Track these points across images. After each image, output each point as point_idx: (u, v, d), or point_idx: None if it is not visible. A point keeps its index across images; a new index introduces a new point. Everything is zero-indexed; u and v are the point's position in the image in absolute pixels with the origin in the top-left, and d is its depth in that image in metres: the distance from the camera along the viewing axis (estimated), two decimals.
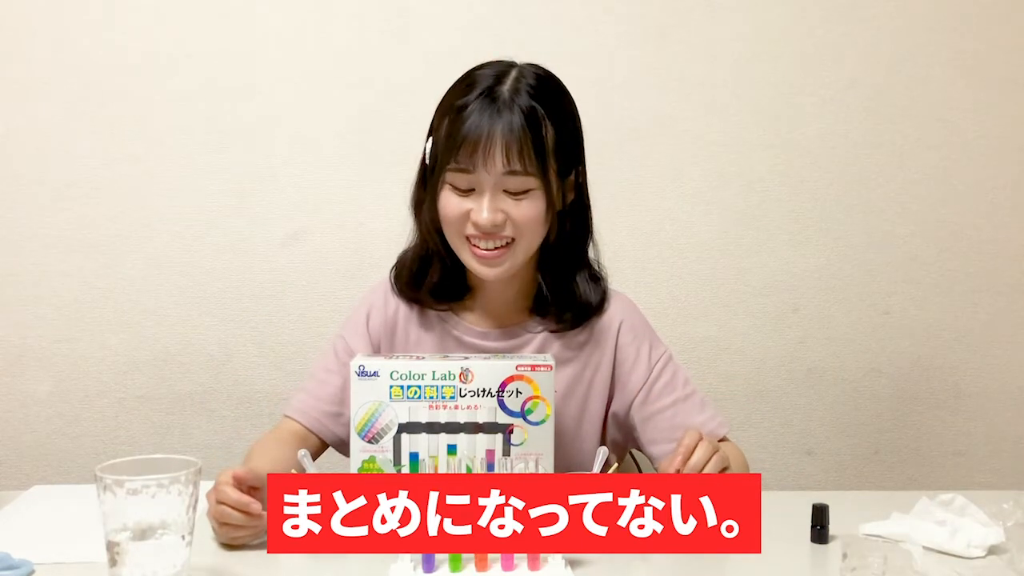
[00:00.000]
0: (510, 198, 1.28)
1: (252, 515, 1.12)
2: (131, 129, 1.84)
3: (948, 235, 1.97)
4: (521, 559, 1.06)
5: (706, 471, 1.15)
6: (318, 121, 1.86)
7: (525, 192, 1.28)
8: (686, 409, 1.40)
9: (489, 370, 1.24)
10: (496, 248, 1.30)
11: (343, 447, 1.40)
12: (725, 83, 1.91)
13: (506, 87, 1.29)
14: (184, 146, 1.85)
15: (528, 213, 1.29)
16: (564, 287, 1.38)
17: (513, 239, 1.30)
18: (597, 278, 1.41)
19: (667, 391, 1.41)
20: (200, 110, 1.84)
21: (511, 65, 1.33)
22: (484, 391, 1.23)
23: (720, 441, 1.37)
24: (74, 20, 1.82)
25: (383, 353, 1.41)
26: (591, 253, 1.41)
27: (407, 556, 1.04)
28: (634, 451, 1.53)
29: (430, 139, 1.35)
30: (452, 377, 1.23)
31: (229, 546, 1.14)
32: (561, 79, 1.35)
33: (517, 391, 1.24)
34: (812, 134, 1.93)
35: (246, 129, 1.85)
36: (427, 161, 1.35)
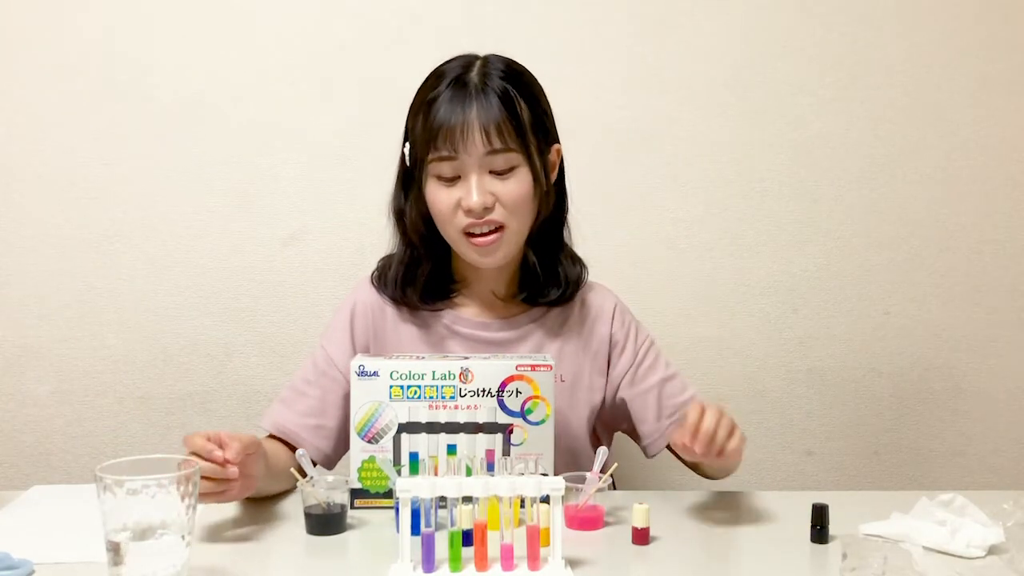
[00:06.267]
0: (496, 179, 1.30)
1: (216, 463, 1.11)
2: (131, 129, 1.84)
3: (948, 235, 1.97)
4: (521, 559, 1.06)
5: (719, 436, 1.16)
6: (318, 121, 1.86)
7: (510, 170, 1.30)
8: (670, 388, 1.43)
9: (489, 370, 1.24)
10: (489, 233, 1.31)
11: (327, 461, 1.39)
12: (725, 83, 1.91)
13: (474, 73, 1.31)
14: (184, 146, 1.85)
15: (516, 191, 1.30)
16: (551, 267, 1.40)
17: (503, 225, 1.31)
18: (575, 258, 1.44)
19: (652, 372, 1.44)
20: (200, 110, 1.84)
21: (475, 56, 1.35)
22: (484, 391, 1.23)
23: None
24: (74, 20, 1.81)
25: (372, 348, 1.41)
26: (565, 235, 1.43)
27: (407, 556, 1.04)
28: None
29: (407, 143, 1.36)
30: (452, 377, 1.23)
31: (228, 538, 1.14)
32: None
33: (517, 391, 1.24)
34: (812, 134, 1.93)
35: (246, 129, 1.85)
36: (407, 163, 1.36)
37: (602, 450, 1.28)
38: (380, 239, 1.85)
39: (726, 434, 1.17)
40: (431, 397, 1.23)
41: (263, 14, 1.84)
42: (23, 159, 1.83)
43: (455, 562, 1.05)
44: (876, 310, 1.98)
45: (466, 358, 1.27)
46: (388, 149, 1.86)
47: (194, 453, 1.12)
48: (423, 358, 1.27)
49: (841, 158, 1.94)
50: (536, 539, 1.05)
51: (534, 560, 1.05)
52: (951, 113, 1.94)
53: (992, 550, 1.14)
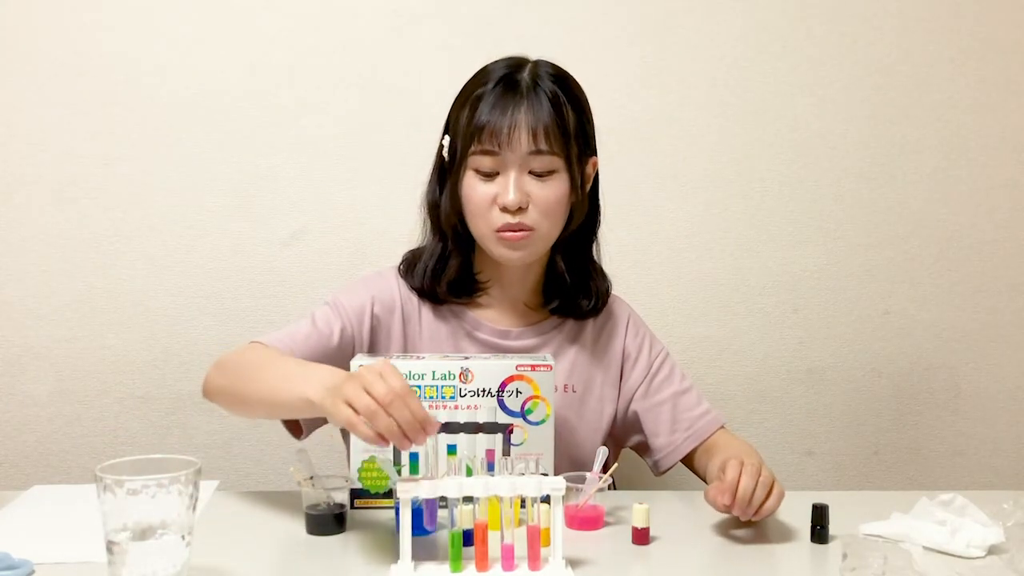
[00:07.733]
0: (534, 180, 1.30)
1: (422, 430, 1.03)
2: (131, 129, 1.84)
3: (948, 235, 1.97)
4: (521, 559, 1.06)
5: (756, 497, 1.15)
6: (318, 121, 1.86)
7: (549, 173, 1.30)
8: (685, 402, 1.43)
9: (489, 370, 1.24)
10: (519, 230, 1.30)
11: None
12: (725, 83, 1.91)
13: (525, 74, 1.32)
14: (184, 146, 1.85)
15: (551, 195, 1.30)
16: (581, 279, 1.41)
17: (532, 229, 1.30)
18: (603, 273, 1.45)
19: (666, 384, 1.44)
20: (200, 110, 1.84)
21: (525, 59, 1.35)
22: (484, 391, 1.23)
23: (719, 430, 1.40)
24: (74, 20, 1.81)
25: (382, 335, 1.40)
26: (594, 250, 1.44)
27: (407, 556, 1.04)
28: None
29: (446, 136, 1.36)
30: (452, 377, 1.23)
31: (228, 538, 1.14)
32: None
33: (517, 391, 1.24)
34: (812, 134, 1.93)
35: (246, 129, 1.85)
36: (445, 155, 1.36)
37: (602, 450, 1.28)
38: (379, 239, 1.86)
39: (764, 494, 1.15)
40: (431, 397, 1.23)
41: (263, 14, 1.84)
42: (23, 159, 1.83)
43: (455, 562, 1.05)
44: (876, 310, 1.98)
45: (466, 358, 1.27)
46: (388, 149, 1.87)
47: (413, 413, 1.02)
48: (423, 358, 1.27)
49: (841, 158, 1.94)
50: (536, 539, 1.06)
51: (534, 560, 1.06)
52: (951, 113, 1.94)
53: (992, 550, 1.14)
